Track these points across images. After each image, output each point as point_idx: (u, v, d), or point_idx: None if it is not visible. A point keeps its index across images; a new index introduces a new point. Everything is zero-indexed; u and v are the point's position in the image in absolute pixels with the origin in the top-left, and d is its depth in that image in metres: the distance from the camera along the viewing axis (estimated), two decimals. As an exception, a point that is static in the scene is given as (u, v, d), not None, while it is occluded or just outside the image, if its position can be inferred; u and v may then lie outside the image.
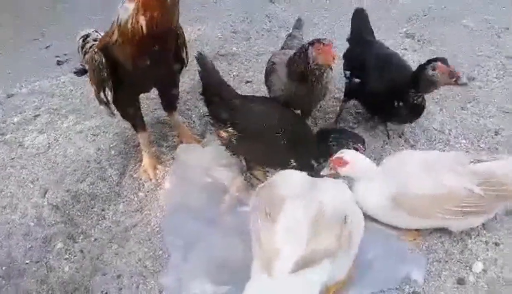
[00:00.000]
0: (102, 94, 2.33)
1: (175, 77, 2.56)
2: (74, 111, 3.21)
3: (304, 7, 4.27)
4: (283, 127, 2.23)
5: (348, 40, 2.94)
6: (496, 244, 2.13)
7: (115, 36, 2.15)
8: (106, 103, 2.38)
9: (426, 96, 2.38)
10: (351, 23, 2.95)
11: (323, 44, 2.10)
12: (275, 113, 2.30)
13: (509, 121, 2.80)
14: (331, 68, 2.20)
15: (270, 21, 4.12)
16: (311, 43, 2.13)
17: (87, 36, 2.65)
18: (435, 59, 2.30)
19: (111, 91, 2.31)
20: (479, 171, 2.04)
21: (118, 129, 2.97)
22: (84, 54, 2.61)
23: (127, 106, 2.51)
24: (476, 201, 1.99)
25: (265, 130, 2.24)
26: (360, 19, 2.92)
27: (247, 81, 3.32)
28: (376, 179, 2.12)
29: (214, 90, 2.36)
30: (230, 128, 2.27)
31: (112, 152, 2.82)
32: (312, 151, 2.29)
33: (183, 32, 2.42)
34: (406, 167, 2.13)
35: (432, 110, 2.92)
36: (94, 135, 2.96)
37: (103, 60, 2.22)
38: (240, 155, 2.49)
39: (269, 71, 2.49)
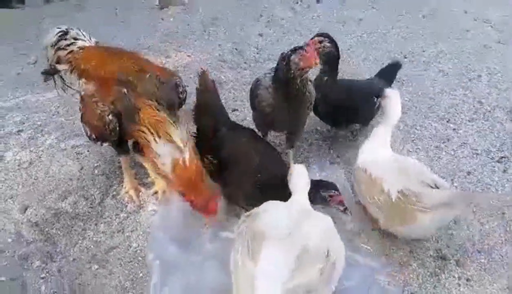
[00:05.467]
0: (99, 143, 2.37)
1: None
2: (58, 129, 3.20)
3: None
4: (261, 168, 2.21)
5: None
6: (468, 280, 2.22)
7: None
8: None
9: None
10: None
11: (305, 50, 2.20)
12: (256, 153, 2.28)
13: (480, 163, 2.96)
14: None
15: (258, 53, 4.26)
16: (293, 51, 2.22)
17: (66, 33, 2.51)
18: None
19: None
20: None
21: (103, 149, 2.96)
22: (57, 51, 2.50)
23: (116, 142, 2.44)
24: (389, 203, 2.18)
25: (242, 170, 2.23)
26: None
27: (234, 110, 3.40)
28: (374, 149, 2.44)
29: (208, 110, 2.38)
30: (210, 156, 2.30)
31: (96, 171, 2.82)
32: (284, 194, 2.10)
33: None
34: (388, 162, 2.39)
35: (409, 148, 3.06)
36: (78, 154, 2.96)
37: (117, 129, 2.23)
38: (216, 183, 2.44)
39: (255, 87, 2.54)
